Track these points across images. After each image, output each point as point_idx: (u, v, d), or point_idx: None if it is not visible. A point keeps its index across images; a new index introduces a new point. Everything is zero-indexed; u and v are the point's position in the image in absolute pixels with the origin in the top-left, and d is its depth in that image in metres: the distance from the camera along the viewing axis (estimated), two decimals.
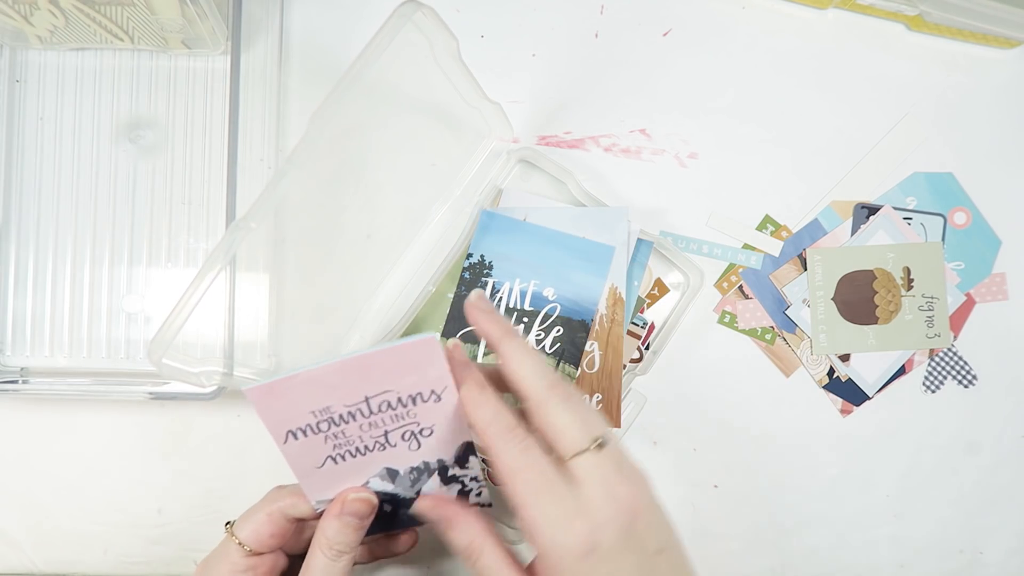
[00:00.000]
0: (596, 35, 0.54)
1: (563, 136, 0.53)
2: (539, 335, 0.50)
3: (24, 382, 0.50)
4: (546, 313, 0.50)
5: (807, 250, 0.52)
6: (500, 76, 0.52)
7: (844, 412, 0.52)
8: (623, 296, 0.49)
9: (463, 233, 0.51)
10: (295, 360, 0.50)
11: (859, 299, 0.52)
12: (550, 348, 0.49)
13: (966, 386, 0.52)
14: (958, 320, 0.52)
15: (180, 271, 0.52)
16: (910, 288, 0.52)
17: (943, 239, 0.52)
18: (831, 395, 0.52)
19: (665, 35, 0.54)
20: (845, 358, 0.52)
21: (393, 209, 0.52)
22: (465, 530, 0.37)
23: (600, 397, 0.49)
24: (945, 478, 0.52)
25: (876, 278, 0.52)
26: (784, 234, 0.53)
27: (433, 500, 0.39)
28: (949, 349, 0.52)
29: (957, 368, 0.52)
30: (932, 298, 0.52)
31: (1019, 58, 0.53)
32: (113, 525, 0.52)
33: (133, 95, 0.52)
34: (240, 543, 0.40)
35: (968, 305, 0.52)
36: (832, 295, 0.52)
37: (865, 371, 0.52)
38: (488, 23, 0.53)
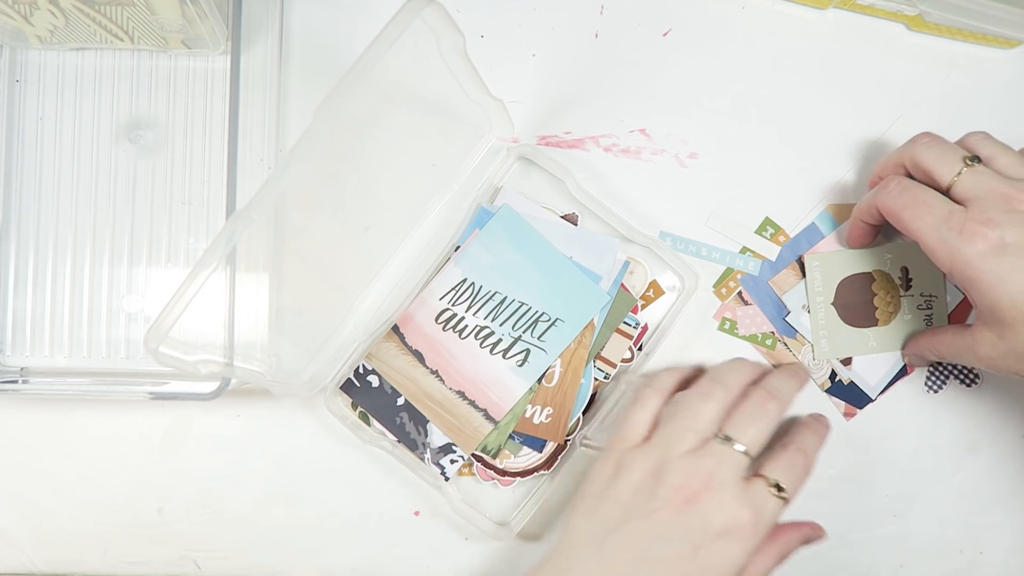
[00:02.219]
0: (596, 35, 0.54)
1: (563, 136, 0.53)
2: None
3: (24, 382, 0.50)
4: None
5: (805, 255, 0.52)
6: (500, 76, 0.52)
7: (848, 415, 0.52)
8: (595, 322, 0.50)
9: (459, 229, 0.51)
10: (293, 355, 0.50)
11: (858, 302, 0.52)
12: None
13: (968, 385, 0.52)
14: (959, 319, 0.52)
15: (180, 271, 0.52)
16: (908, 288, 0.52)
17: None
18: (834, 399, 0.52)
19: (665, 35, 0.54)
20: (847, 361, 0.52)
21: (392, 203, 0.52)
22: (920, 343, 0.49)
23: (551, 411, 0.50)
24: (945, 478, 0.52)
25: (875, 280, 0.52)
26: (781, 238, 0.52)
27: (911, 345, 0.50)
28: None
29: (959, 367, 0.52)
30: (931, 296, 0.52)
31: (1019, 58, 0.53)
32: (113, 525, 0.52)
33: (133, 95, 0.52)
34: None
35: (968, 305, 0.52)
36: (832, 300, 0.52)
37: (867, 374, 0.52)
38: (488, 23, 0.53)
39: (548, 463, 0.50)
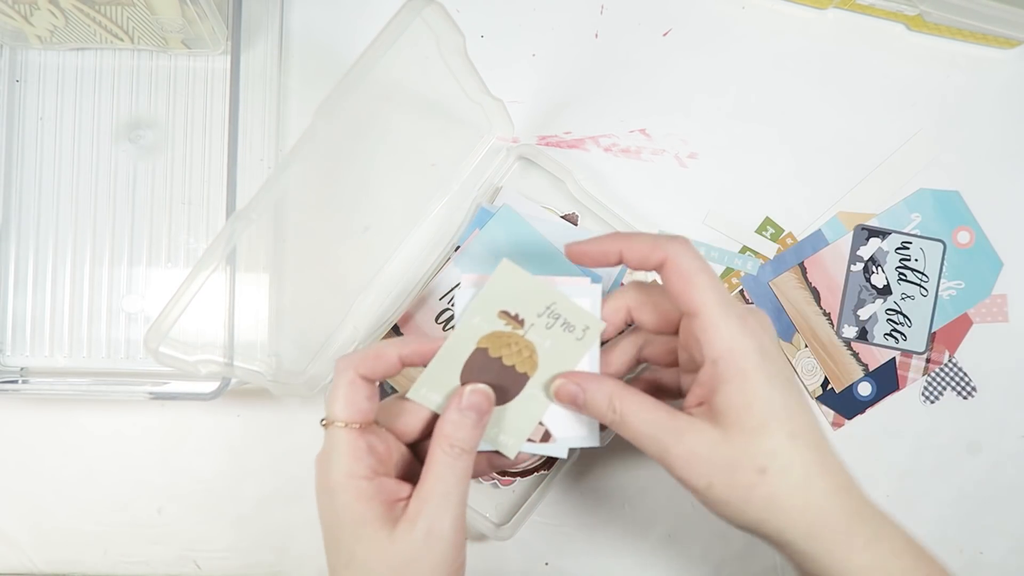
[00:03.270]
0: (596, 35, 0.54)
1: (563, 136, 0.53)
2: None
3: (24, 382, 0.50)
4: None
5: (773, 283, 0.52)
6: (500, 76, 0.52)
7: (836, 425, 0.52)
8: None
9: (459, 229, 0.51)
10: (293, 355, 0.50)
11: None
12: None
13: (965, 397, 0.52)
14: (953, 337, 0.52)
15: (180, 271, 0.52)
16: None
17: (943, 263, 0.52)
18: (823, 407, 0.52)
19: (665, 35, 0.54)
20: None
21: (391, 203, 0.52)
22: (600, 388, 0.38)
23: None
24: (945, 478, 0.52)
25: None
26: (789, 241, 0.52)
27: (565, 375, 0.39)
28: (948, 361, 0.52)
29: (956, 379, 0.52)
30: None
31: (1019, 58, 0.53)
32: (113, 525, 0.52)
33: (133, 95, 0.52)
34: (345, 424, 0.37)
35: (964, 323, 0.52)
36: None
37: (859, 384, 0.52)
38: (488, 23, 0.53)
39: (548, 463, 0.50)
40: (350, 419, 0.37)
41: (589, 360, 0.40)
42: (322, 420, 0.38)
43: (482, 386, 0.39)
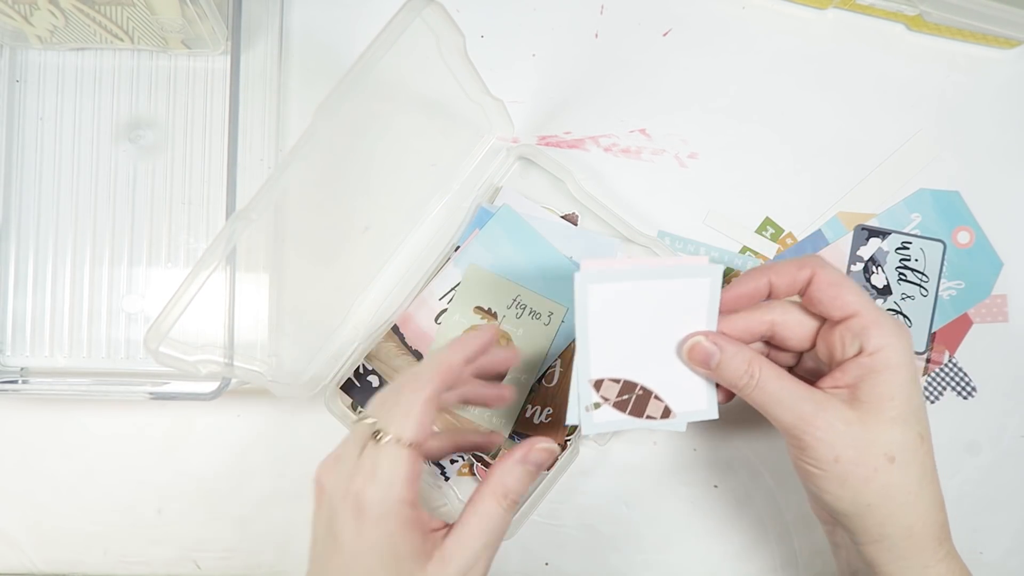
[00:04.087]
0: (596, 35, 0.54)
1: (563, 136, 0.53)
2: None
3: (24, 382, 0.50)
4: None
5: None
6: (500, 76, 0.52)
7: None
8: None
9: (459, 229, 0.51)
10: (293, 355, 0.50)
11: None
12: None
13: (965, 397, 0.52)
14: (953, 337, 0.52)
15: (180, 271, 0.52)
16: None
17: (943, 262, 0.52)
18: None
19: (665, 35, 0.54)
20: None
21: (391, 203, 0.52)
22: (740, 351, 0.38)
23: (551, 411, 0.50)
24: (945, 478, 0.52)
25: None
26: (789, 241, 0.52)
27: (703, 333, 0.39)
28: (948, 361, 0.52)
29: (956, 379, 0.52)
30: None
31: (1019, 58, 0.53)
32: (113, 525, 0.52)
33: (133, 95, 0.52)
34: (410, 444, 0.34)
35: (964, 323, 0.52)
36: None
37: None
38: (488, 23, 0.53)
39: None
40: (418, 439, 0.35)
41: (707, 318, 0.39)
42: (378, 434, 0.35)
43: (548, 443, 0.38)
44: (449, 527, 0.36)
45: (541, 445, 0.37)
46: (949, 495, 0.52)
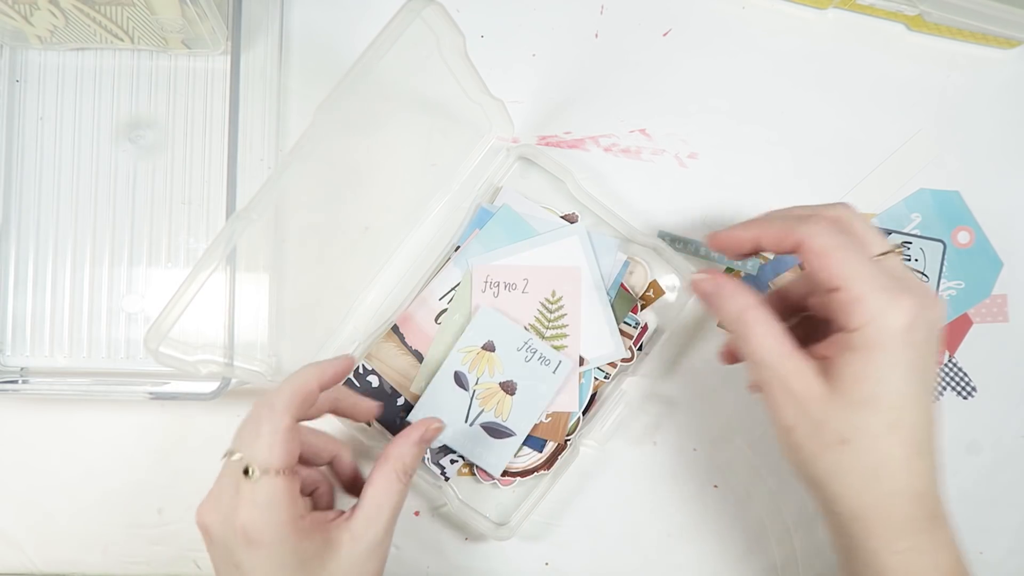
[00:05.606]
0: (596, 35, 0.54)
1: (563, 136, 0.53)
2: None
3: (24, 382, 0.50)
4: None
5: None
6: (500, 76, 0.52)
7: None
8: None
9: (459, 229, 0.51)
10: (293, 356, 0.50)
11: None
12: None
13: (965, 397, 0.52)
14: (954, 337, 0.52)
15: (180, 271, 0.52)
16: None
17: (942, 262, 0.52)
18: None
19: (665, 35, 0.54)
20: None
21: (392, 203, 0.52)
22: (735, 295, 0.38)
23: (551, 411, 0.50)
24: (945, 478, 0.52)
25: None
26: None
27: (708, 270, 0.39)
28: (948, 361, 0.52)
29: (956, 379, 0.52)
30: None
31: (1019, 58, 0.53)
32: (113, 525, 0.52)
33: (133, 95, 0.52)
34: (280, 472, 0.36)
35: (964, 323, 0.52)
36: None
37: None
38: (488, 23, 0.53)
39: (548, 463, 0.50)
40: (287, 466, 0.36)
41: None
42: (246, 469, 0.36)
43: (440, 423, 0.44)
44: (347, 512, 0.40)
45: (436, 425, 0.43)
46: (949, 495, 0.52)
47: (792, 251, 0.37)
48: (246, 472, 0.36)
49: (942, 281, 0.52)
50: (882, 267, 0.36)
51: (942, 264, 0.52)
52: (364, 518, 0.39)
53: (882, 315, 0.34)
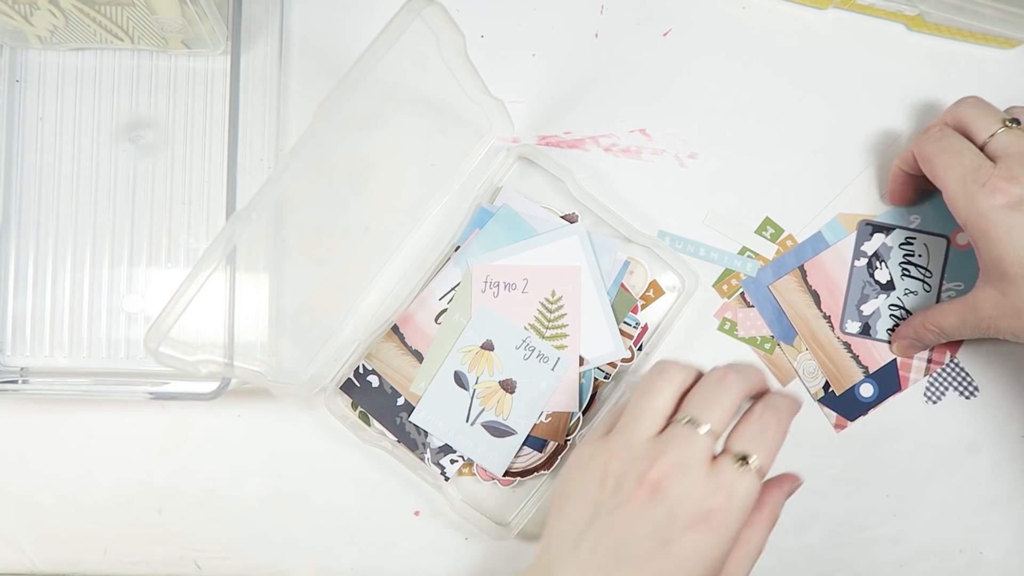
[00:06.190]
0: (596, 35, 0.54)
1: (563, 136, 0.53)
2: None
3: (24, 382, 0.50)
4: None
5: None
6: (500, 76, 0.52)
7: (838, 427, 0.52)
8: None
9: (459, 229, 0.51)
10: (293, 355, 0.50)
11: None
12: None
13: (967, 397, 0.52)
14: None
15: (180, 271, 0.52)
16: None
17: (946, 257, 0.52)
18: (826, 409, 0.52)
19: (665, 35, 0.54)
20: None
21: (392, 203, 0.52)
22: (909, 326, 0.50)
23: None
24: (945, 478, 0.52)
25: None
26: (789, 243, 0.52)
27: (898, 334, 0.51)
28: (950, 361, 0.52)
29: (958, 380, 0.52)
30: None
31: (1019, 58, 0.53)
32: (113, 525, 0.52)
33: (133, 95, 0.52)
34: (763, 476, 0.37)
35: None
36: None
37: (861, 385, 0.52)
38: (488, 23, 0.53)
39: (548, 463, 0.50)
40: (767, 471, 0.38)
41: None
42: (744, 457, 0.36)
43: (798, 479, 0.42)
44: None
45: (798, 483, 0.41)
46: (949, 495, 0.52)
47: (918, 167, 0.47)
48: (742, 459, 0.36)
49: (943, 283, 0.52)
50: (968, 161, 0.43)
51: (946, 259, 0.52)
52: (736, 566, 0.38)
53: (978, 201, 0.43)
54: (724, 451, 0.37)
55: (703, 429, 0.37)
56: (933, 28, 0.52)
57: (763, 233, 0.53)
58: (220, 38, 0.49)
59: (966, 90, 0.53)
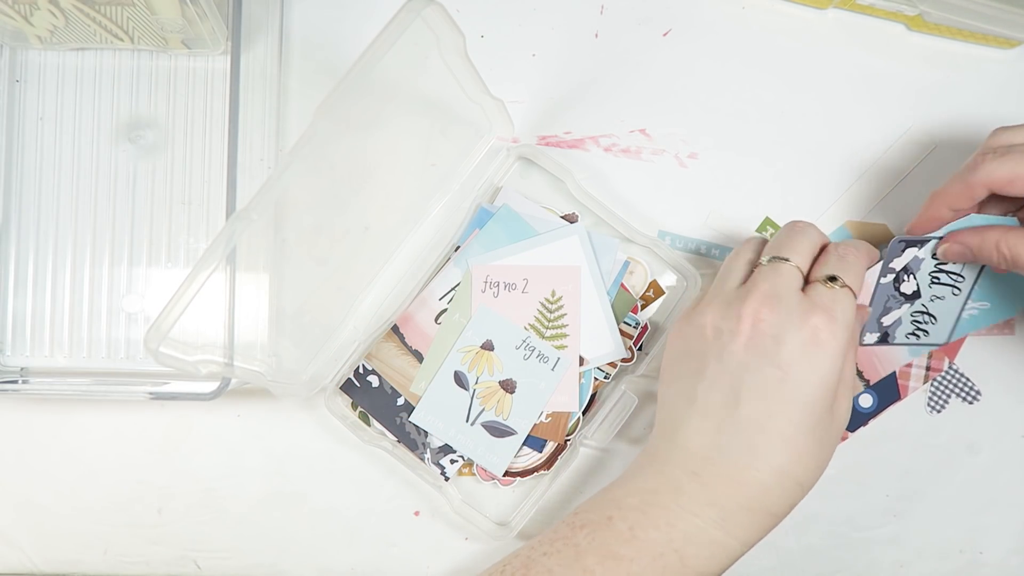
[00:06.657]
0: (596, 35, 0.54)
1: (563, 136, 0.53)
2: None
3: (24, 382, 0.50)
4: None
5: None
6: (500, 76, 0.52)
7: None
8: None
9: (459, 229, 0.51)
10: (293, 355, 0.50)
11: None
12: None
13: (970, 402, 0.52)
14: (952, 345, 0.52)
15: (180, 271, 0.52)
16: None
17: (981, 269, 0.48)
18: None
19: (665, 35, 0.54)
20: None
21: (392, 203, 0.52)
22: (985, 238, 0.43)
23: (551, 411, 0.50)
24: (945, 478, 0.52)
25: None
26: None
27: (949, 238, 0.45)
28: (949, 368, 0.52)
29: (960, 385, 0.52)
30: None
31: (1019, 58, 0.53)
32: (113, 525, 0.52)
33: (133, 95, 0.52)
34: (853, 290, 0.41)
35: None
36: None
37: (859, 396, 0.52)
38: (488, 23, 0.53)
39: (548, 463, 0.50)
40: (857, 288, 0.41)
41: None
42: (834, 279, 0.39)
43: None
44: None
45: (868, 310, 0.45)
46: (949, 495, 0.52)
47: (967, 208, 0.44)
48: (831, 280, 0.39)
49: (969, 299, 0.49)
50: None
51: (981, 269, 0.48)
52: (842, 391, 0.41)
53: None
54: (810, 281, 0.40)
55: (788, 263, 0.40)
56: (933, 28, 0.52)
57: (763, 233, 0.53)
58: (220, 38, 0.49)
59: (966, 90, 0.53)
